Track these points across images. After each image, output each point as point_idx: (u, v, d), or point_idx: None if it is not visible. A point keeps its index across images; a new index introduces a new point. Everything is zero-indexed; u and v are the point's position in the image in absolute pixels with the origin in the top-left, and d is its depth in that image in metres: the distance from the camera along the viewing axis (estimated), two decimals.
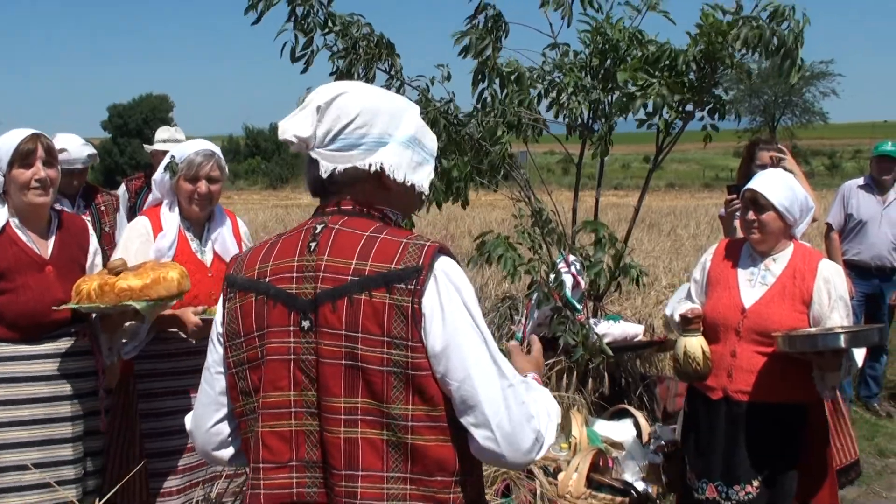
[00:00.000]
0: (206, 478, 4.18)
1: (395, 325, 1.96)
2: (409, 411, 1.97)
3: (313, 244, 2.08)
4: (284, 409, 2.07)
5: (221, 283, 4.16)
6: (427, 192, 2.19)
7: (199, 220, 4.22)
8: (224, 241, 4.25)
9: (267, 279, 2.11)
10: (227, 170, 4.29)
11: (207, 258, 4.18)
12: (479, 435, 1.99)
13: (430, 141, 2.22)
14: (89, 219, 6.02)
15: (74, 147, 5.98)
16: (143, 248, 4.03)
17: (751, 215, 3.95)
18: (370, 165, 2.07)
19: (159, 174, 4.16)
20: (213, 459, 2.37)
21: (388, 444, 2.00)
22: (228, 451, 2.30)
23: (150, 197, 4.30)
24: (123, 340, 3.92)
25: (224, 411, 2.25)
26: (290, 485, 2.09)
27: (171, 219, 4.13)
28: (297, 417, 2.06)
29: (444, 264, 2.02)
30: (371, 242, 2.02)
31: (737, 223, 4.88)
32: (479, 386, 1.96)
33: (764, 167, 5.76)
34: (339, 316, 2.00)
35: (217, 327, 2.24)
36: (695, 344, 3.98)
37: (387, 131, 2.11)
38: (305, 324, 2.04)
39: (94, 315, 3.76)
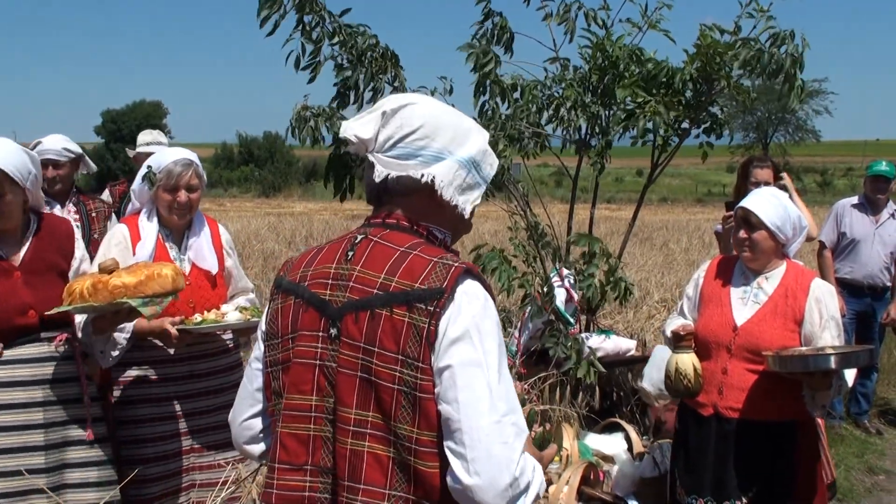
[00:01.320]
0: (186, 485, 4.17)
1: (410, 344, 1.95)
2: (413, 434, 1.96)
3: (351, 253, 2.10)
4: (305, 412, 2.09)
5: (200, 291, 4.15)
6: (467, 216, 2.17)
7: (179, 229, 4.23)
8: (200, 250, 4.25)
9: (306, 283, 2.14)
10: (205, 177, 4.29)
11: (186, 266, 4.18)
12: (454, 462, 1.92)
13: (490, 167, 2.21)
14: (78, 224, 5.97)
15: (50, 140, 5.90)
16: (122, 256, 4.01)
17: (742, 234, 3.97)
18: (423, 176, 2.08)
19: (137, 184, 4.17)
20: (245, 453, 2.41)
21: (393, 462, 1.99)
22: (259, 447, 2.34)
23: (129, 206, 4.30)
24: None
25: (258, 407, 2.29)
26: (302, 488, 2.10)
27: (149, 227, 4.13)
28: (315, 422, 2.08)
29: (467, 287, 2.00)
30: (402, 258, 2.03)
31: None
32: (464, 412, 1.91)
33: (758, 185, 5.79)
34: (360, 328, 2.01)
35: (262, 326, 2.27)
36: (686, 361, 3.99)
37: (447, 147, 2.11)
38: (333, 331, 2.05)
39: (77, 319, 3.73)
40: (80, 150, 6.06)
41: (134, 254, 4.03)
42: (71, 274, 3.79)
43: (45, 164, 5.81)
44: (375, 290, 2.00)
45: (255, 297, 4.59)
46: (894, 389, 9.26)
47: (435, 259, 2.01)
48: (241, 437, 2.35)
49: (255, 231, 21.74)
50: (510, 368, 5.97)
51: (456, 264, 2.00)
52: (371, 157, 2.12)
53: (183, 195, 4.10)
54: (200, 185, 4.21)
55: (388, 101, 2.14)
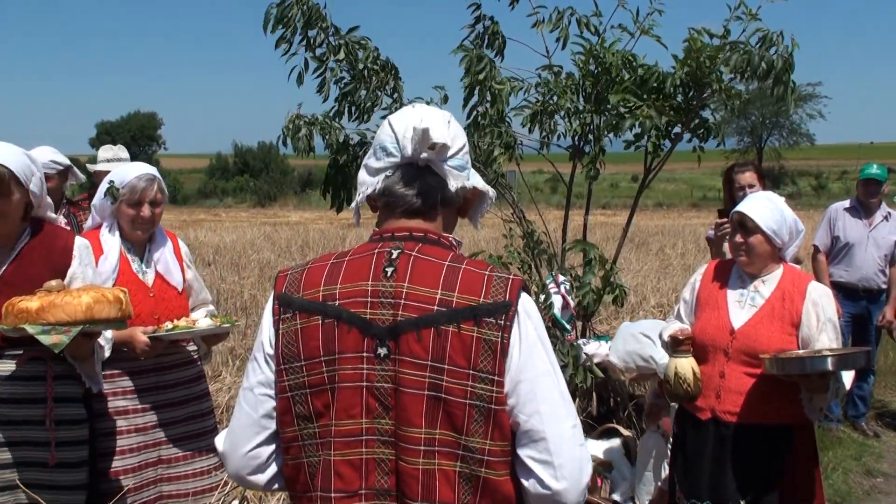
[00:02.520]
0: (153, 498, 4.16)
1: (482, 358, 1.96)
2: (486, 445, 1.98)
3: (390, 269, 2.05)
4: (356, 437, 2.04)
5: (165, 303, 4.11)
6: (477, 226, 2.31)
7: (140, 242, 4.23)
8: (166, 262, 4.27)
9: (337, 302, 2.05)
10: (167, 192, 4.30)
11: (149, 278, 4.20)
12: (539, 470, 1.99)
13: None
14: None
15: (37, 153, 5.88)
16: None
17: (738, 238, 3.98)
18: (483, 188, 2.19)
19: (99, 199, 4.16)
20: (248, 484, 2.26)
21: (460, 476, 2.00)
22: (265, 476, 2.21)
23: (90, 221, 4.29)
24: None
25: (266, 434, 2.17)
26: None
27: (111, 241, 4.14)
28: (367, 445, 2.04)
29: (524, 299, 2.04)
30: (453, 272, 2.03)
31: (727, 246, 4.91)
32: (547, 422, 1.98)
33: (743, 189, 5.82)
34: (425, 346, 1.99)
35: (266, 348, 2.15)
36: (685, 365, 3.99)
37: (470, 160, 2.19)
38: (382, 351, 2.01)
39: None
40: (67, 162, 6.06)
41: (97, 267, 4.00)
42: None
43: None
44: (436, 307, 1.99)
45: (214, 309, 4.59)
46: (891, 392, 9.28)
47: (487, 272, 2.04)
48: (246, 467, 2.19)
49: (251, 241, 21.73)
50: None
51: (512, 277, 2.04)
52: (442, 167, 2.12)
53: (146, 210, 4.12)
54: (163, 200, 4.22)
55: (434, 111, 2.16)
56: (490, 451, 1.98)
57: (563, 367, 5.67)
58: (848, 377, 3.86)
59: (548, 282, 6.17)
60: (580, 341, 6.20)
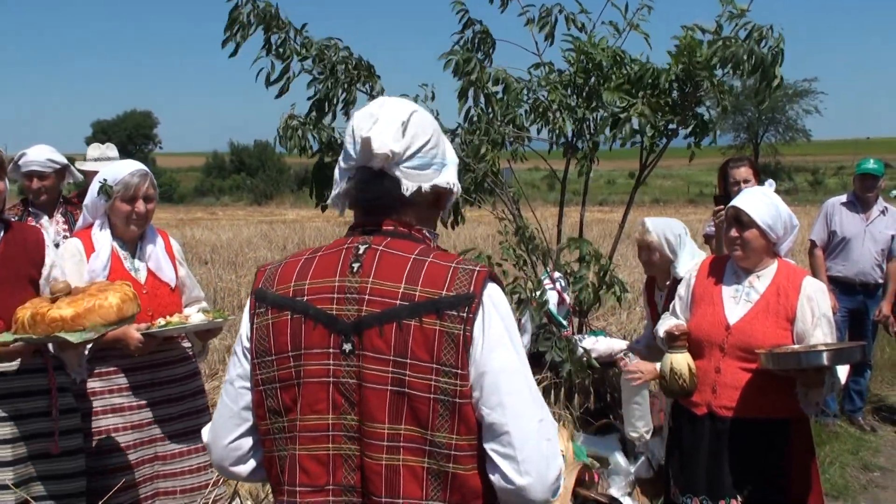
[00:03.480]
0: (150, 494, 4.18)
1: (444, 352, 1.94)
2: (452, 440, 1.96)
3: (356, 265, 2.05)
4: (322, 432, 2.05)
5: (158, 300, 4.15)
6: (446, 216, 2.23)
7: (133, 239, 4.25)
8: (158, 259, 4.28)
9: (305, 298, 2.07)
10: (157, 187, 4.32)
11: (141, 276, 4.21)
12: (503, 464, 1.96)
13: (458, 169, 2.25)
14: (67, 234, 5.97)
15: (34, 151, 5.90)
16: (77, 268, 4.04)
17: (734, 232, 3.98)
18: (448, 184, 2.13)
19: (91, 198, 4.17)
20: (230, 474, 2.31)
21: (428, 472, 1.99)
22: (247, 467, 2.24)
23: (80, 220, 4.30)
24: None
25: (246, 426, 2.20)
26: None
27: (103, 238, 4.15)
28: (334, 441, 2.04)
29: (492, 290, 2.01)
30: (419, 266, 2.01)
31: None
32: (510, 415, 1.95)
33: (738, 184, 5.83)
34: (388, 341, 1.97)
35: (243, 342, 2.19)
36: (681, 361, 3.99)
37: (445, 153, 2.15)
38: (347, 347, 2.01)
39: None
40: (64, 161, 6.04)
41: (89, 265, 4.04)
42: (41, 282, 3.77)
43: (31, 175, 5.84)
44: (399, 301, 1.98)
45: (207, 306, 4.60)
46: (888, 386, 9.29)
47: (453, 265, 2.01)
48: (228, 458, 2.24)
49: (248, 239, 21.74)
50: None
51: (478, 268, 2.01)
52: (395, 171, 2.07)
53: (141, 205, 4.14)
54: (155, 195, 4.25)
55: (393, 109, 2.11)
56: (457, 446, 1.97)
57: (560, 363, 5.68)
58: (843, 372, 3.85)
59: (543, 278, 6.17)
60: (576, 337, 6.20)
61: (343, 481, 2.04)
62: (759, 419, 3.89)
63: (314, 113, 6.08)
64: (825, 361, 3.60)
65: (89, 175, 6.46)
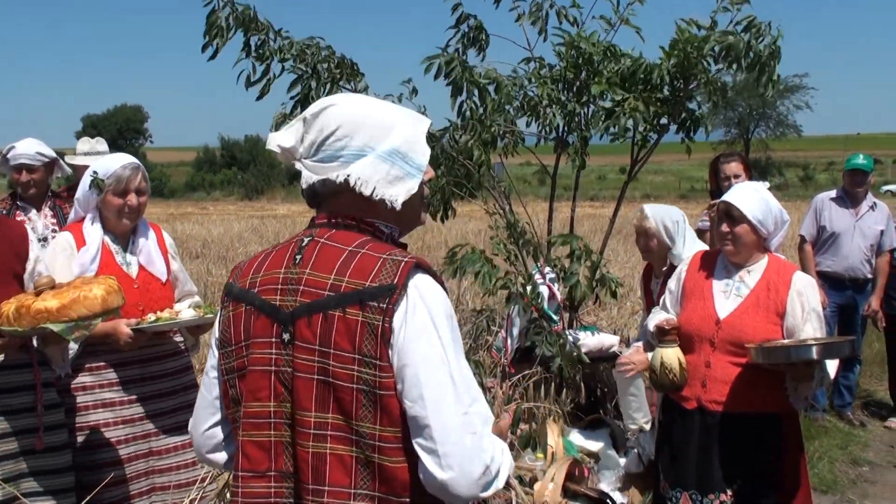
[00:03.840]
0: (146, 489, 4.18)
1: (365, 343, 1.94)
2: (376, 431, 1.96)
3: (298, 257, 2.08)
4: (264, 419, 2.08)
5: (149, 294, 4.15)
6: (398, 208, 2.10)
7: (124, 233, 4.24)
8: (149, 253, 4.27)
9: (256, 290, 2.12)
10: (149, 181, 4.32)
11: (133, 270, 4.20)
12: (425, 458, 1.93)
13: (420, 155, 2.14)
14: (55, 228, 5.96)
15: (23, 144, 5.87)
16: (68, 262, 4.03)
17: (725, 227, 3.99)
18: (337, 177, 2.07)
19: (82, 192, 4.15)
20: (208, 462, 2.38)
21: (356, 462, 1.99)
22: (222, 456, 2.31)
23: (72, 214, 4.30)
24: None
25: (219, 416, 2.27)
26: (268, 494, 2.10)
27: (93, 232, 4.13)
28: (276, 428, 2.07)
29: (419, 281, 1.99)
30: (351, 258, 2.01)
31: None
32: (431, 409, 1.91)
33: (728, 179, 5.85)
34: (314, 331, 1.99)
35: (215, 333, 2.25)
36: (671, 355, 3.99)
37: (368, 144, 2.08)
38: (286, 336, 2.04)
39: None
40: (53, 154, 6.02)
41: (77, 259, 4.03)
42: (26, 276, 3.76)
43: (19, 168, 5.81)
44: (326, 292, 1.99)
45: (199, 300, 4.60)
46: (877, 381, 9.32)
47: (384, 256, 2.00)
48: (204, 446, 2.32)
49: (239, 234, 21.71)
50: (501, 367, 6.02)
51: (406, 259, 1.99)
52: (298, 165, 2.12)
53: (133, 198, 4.13)
54: (147, 189, 4.24)
55: (311, 107, 2.14)
56: (381, 437, 1.96)
57: (551, 358, 5.69)
58: (832, 366, 3.86)
59: (534, 273, 6.18)
60: (567, 332, 6.21)
61: (283, 468, 2.08)
62: (749, 414, 3.90)
63: (298, 110, 6.08)
64: (814, 356, 3.60)
65: (79, 169, 6.44)
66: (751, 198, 3.96)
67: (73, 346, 3.86)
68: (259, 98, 6.01)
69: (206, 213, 37.24)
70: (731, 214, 3.97)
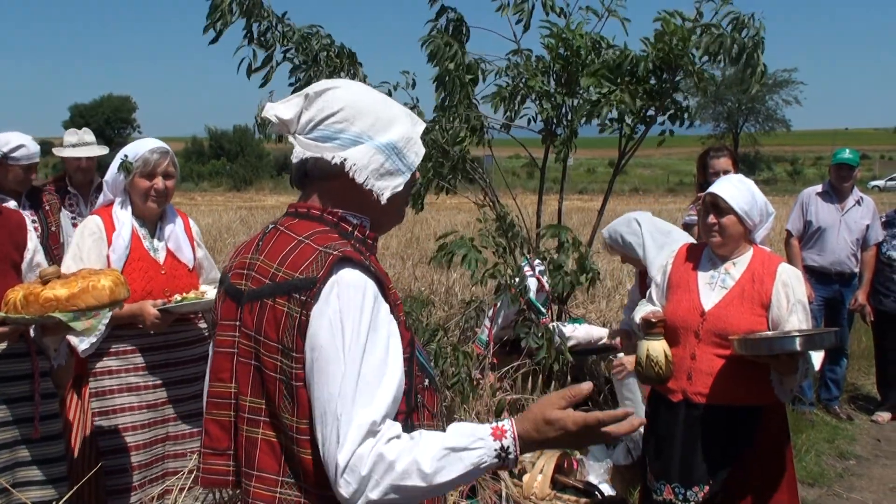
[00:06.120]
0: (160, 474, 4.20)
1: (286, 334, 1.94)
2: (294, 422, 1.95)
3: (260, 243, 2.12)
4: (225, 399, 2.11)
5: (176, 280, 4.17)
6: (384, 202, 2.10)
7: (152, 218, 4.26)
8: (177, 238, 4.31)
9: (229, 274, 2.17)
10: (178, 167, 4.35)
11: (160, 256, 4.23)
12: (322, 452, 1.89)
13: (414, 155, 2.15)
14: (35, 218, 5.96)
15: (31, 141, 5.92)
16: (97, 246, 4.05)
17: (711, 219, 4.00)
18: (333, 158, 2.05)
19: (111, 175, 4.18)
20: None
21: (284, 450, 2.00)
22: None
23: (101, 197, 4.31)
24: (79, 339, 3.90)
25: None
26: (227, 472, 2.14)
27: (124, 216, 4.16)
28: (235, 409, 2.10)
29: (342, 276, 1.94)
30: (296, 248, 2.01)
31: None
32: (329, 403, 1.87)
33: (717, 174, 5.86)
34: (252, 317, 2.03)
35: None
36: (657, 348, 3.99)
37: (367, 132, 2.07)
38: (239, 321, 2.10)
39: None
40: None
41: (110, 244, 4.06)
42: (24, 266, 3.75)
43: (29, 168, 5.87)
44: (267, 280, 2.01)
45: None
46: (864, 375, 9.36)
47: (320, 248, 1.98)
48: None
49: (227, 225, 21.67)
50: (481, 358, 6.00)
51: (335, 252, 1.96)
52: (292, 139, 2.12)
53: (160, 182, 4.16)
54: (175, 174, 4.27)
55: (314, 86, 2.13)
56: (299, 429, 1.94)
57: (538, 350, 5.69)
58: (817, 358, 3.86)
59: (523, 265, 6.18)
60: (555, 324, 6.21)
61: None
62: (734, 406, 3.91)
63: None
64: (798, 347, 3.60)
65: (68, 161, 6.44)
66: (736, 189, 3.97)
67: (100, 328, 3.86)
68: (263, 85, 6.01)
69: (194, 203, 37.15)
70: (717, 205, 3.98)
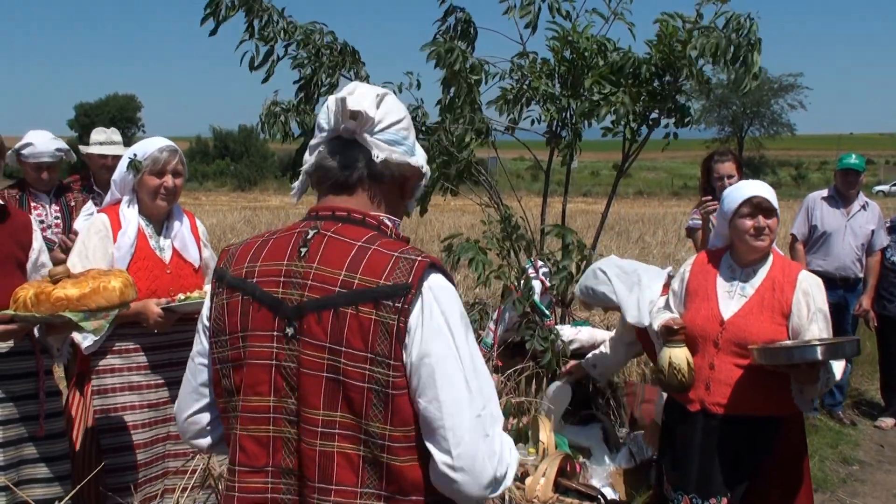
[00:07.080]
0: (160, 473, 4.20)
1: (379, 342, 1.92)
2: (386, 431, 1.94)
3: (304, 250, 2.05)
4: (263, 413, 2.06)
5: (181, 280, 4.15)
6: (411, 208, 2.24)
7: (159, 217, 4.26)
8: (183, 238, 4.30)
9: (254, 280, 2.08)
10: (186, 165, 4.35)
11: (166, 255, 4.23)
12: (438, 460, 1.93)
13: (422, 159, 2.25)
14: (59, 215, 5.97)
15: (41, 141, 5.91)
16: (102, 244, 4.05)
17: (762, 221, 3.91)
18: (416, 161, 2.15)
19: (119, 173, 4.17)
20: (194, 446, 2.38)
21: (364, 461, 1.97)
22: (206, 441, 2.31)
23: (108, 196, 4.30)
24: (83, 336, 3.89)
25: (204, 402, 2.26)
26: (265, 489, 2.08)
27: (131, 215, 4.16)
28: (275, 423, 2.05)
29: (433, 281, 1.98)
30: (362, 253, 1.99)
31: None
32: (445, 410, 1.92)
33: (722, 179, 5.82)
34: (325, 327, 1.97)
35: (203, 320, 2.22)
36: (679, 355, 3.95)
37: (413, 142, 2.17)
38: (289, 331, 2.02)
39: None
40: (66, 146, 6.08)
41: (115, 242, 4.06)
42: (29, 266, 3.75)
43: (40, 167, 5.86)
44: (338, 289, 1.97)
45: None
46: (868, 381, 9.33)
47: (396, 254, 1.98)
48: (188, 431, 2.33)
49: (231, 225, 21.70)
50: (487, 361, 6.00)
51: (419, 258, 1.98)
52: (367, 138, 2.09)
53: (169, 180, 4.16)
54: (184, 172, 4.28)
55: (368, 87, 2.14)
56: (391, 437, 1.95)
57: (542, 352, 5.68)
58: (838, 367, 3.78)
59: (527, 267, 6.17)
60: (558, 327, 6.20)
61: (282, 464, 2.05)
62: (752, 416, 3.86)
63: (302, 94, 6.06)
64: (819, 356, 3.52)
65: (94, 159, 6.44)
66: (770, 192, 3.94)
67: (89, 335, 3.86)
68: (265, 80, 6.00)
69: (198, 203, 37.21)
70: (764, 208, 3.92)
